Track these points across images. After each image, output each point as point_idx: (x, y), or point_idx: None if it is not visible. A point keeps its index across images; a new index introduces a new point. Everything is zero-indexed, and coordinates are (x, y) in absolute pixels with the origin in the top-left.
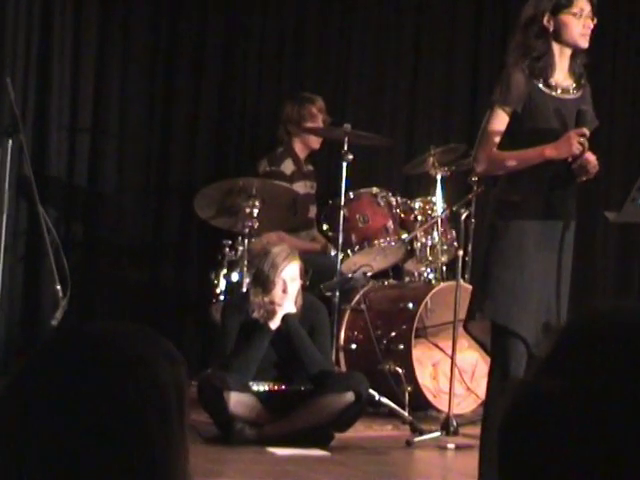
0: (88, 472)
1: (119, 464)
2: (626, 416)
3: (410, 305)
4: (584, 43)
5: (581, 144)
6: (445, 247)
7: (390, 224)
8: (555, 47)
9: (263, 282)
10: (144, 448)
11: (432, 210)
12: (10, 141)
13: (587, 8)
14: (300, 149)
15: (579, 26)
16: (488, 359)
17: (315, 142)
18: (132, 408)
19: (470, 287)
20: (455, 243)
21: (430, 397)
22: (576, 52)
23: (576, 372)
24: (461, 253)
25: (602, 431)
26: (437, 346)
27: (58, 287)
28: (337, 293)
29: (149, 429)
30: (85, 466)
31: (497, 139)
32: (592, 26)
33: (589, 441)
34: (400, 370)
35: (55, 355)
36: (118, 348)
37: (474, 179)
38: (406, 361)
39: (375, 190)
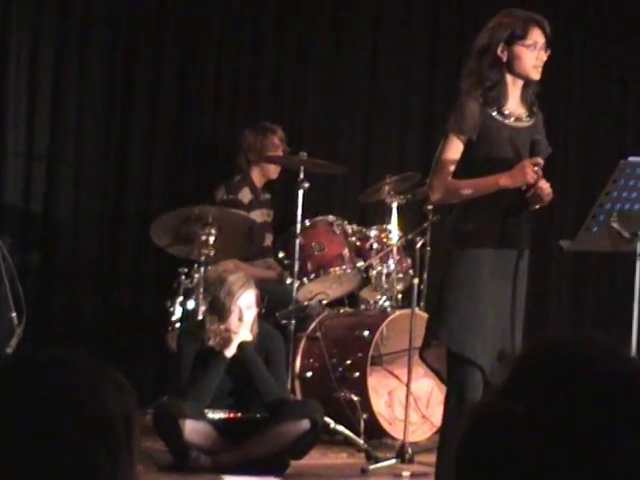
0: None
1: None
2: (581, 439)
3: (366, 333)
4: (536, 75)
5: (535, 173)
6: (400, 275)
7: (346, 252)
8: (508, 77)
9: (219, 310)
10: (90, 478)
11: (387, 238)
12: None
13: (541, 40)
14: (258, 178)
15: (532, 58)
16: (443, 387)
17: (274, 172)
18: (78, 438)
19: (425, 315)
20: (410, 271)
21: (385, 425)
22: (528, 82)
23: (532, 399)
24: (416, 281)
25: (559, 453)
26: (392, 374)
27: (13, 315)
28: (293, 321)
29: (95, 459)
30: None
31: (452, 167)
32: (545, 58)
33: (546, 462)
34: (355, 398)
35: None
36: (65, 378)
37: (429, 207)
38: (361, 389)
39: (331, 218)
